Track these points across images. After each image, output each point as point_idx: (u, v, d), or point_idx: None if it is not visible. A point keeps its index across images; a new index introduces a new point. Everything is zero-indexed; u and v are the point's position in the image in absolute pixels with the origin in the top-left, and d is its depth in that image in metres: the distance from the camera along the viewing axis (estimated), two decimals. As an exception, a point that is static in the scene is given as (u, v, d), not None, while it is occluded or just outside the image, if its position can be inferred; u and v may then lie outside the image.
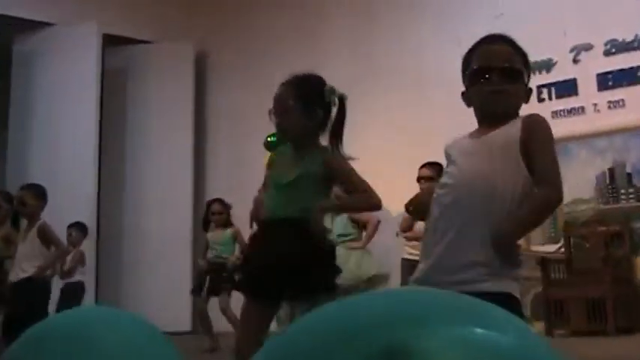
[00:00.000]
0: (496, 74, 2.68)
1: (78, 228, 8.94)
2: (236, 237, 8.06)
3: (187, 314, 10.52)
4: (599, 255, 7.77)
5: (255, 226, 3.55)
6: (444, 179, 2.71)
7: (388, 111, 9.80)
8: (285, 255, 3.17)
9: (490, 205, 2.51)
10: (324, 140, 3.37)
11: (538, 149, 2.56)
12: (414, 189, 7.27)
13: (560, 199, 2.60)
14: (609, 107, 8.45)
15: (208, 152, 12.01)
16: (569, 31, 8.76)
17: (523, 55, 2.76)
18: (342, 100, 3.35)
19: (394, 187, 9.15)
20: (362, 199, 3.34)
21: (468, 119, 8.74)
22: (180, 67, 11.73)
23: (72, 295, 8.55)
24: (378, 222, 7.44)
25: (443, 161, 7.19)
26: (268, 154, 9.04)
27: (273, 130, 10.09)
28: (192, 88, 11.77)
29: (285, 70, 11.38)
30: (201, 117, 12.02)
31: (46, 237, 6.37)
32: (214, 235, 8.11)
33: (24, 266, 6.27)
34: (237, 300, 7.84)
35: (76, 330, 1.81)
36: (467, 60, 2.81)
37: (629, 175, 8.31)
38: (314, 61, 10.64)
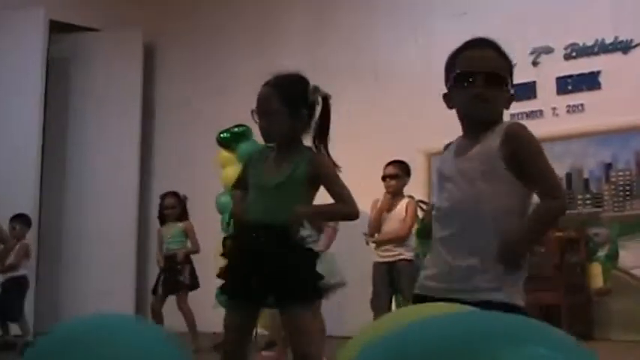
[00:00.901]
0: (480, 79, 2.69)
1: (21, 220, 8.68)
2: (187, 231, 7.91)
3: (130, 312, 10.23)
4: (554, 261, 7.71)
5: (231, 226, 3.54)
6: (437, 203, 2.78)
7: (346, 111, 9.59)
8: (272, 262, 3.17)
9: (482, 226, 2.59)
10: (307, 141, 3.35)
11: (530, 163, 2.61)
12: (378, 188, 7.16)
13: (563, 206, 2.69)
14: (568, 112, 8.39)
15: (156, 144, 11.75)
16: (530, 33, 8.67)
17: (508, 61, 2.77)
18: (325, 99, 3.33)
19: (357, 188, 9.05)
20: (338, 209, 3.31)
21: (427, 116, 8.61)
22: (128, 57, 11.42)
23: (15, 289, 8.31)
24: (335, 231, 7.23)
25: (405, 158, 7.16)
26: (220, 150, 8.92)
27: (221, 120, 9.97)
28: (140, 78, 11.48)
29: (236, 63, 11.31)
30: (149, 108, 11.75)
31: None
32: (166, 230, 8.04)
33: None
34: (192, 296, 7.77)
35: (87, 336, 1.85)
36: (451, 62, 2.83)
37: (586, 180, 8.28)
38: (261, 55, 10.46)
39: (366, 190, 7.07)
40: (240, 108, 9.49)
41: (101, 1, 11.51)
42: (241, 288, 3.24)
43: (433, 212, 2.79)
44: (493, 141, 2.61)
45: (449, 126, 9.13)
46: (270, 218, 3.20)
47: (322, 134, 3.32)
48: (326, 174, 3.24)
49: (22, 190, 9.81)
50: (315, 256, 3.33)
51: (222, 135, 8.74)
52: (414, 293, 2.82)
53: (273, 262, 3.16)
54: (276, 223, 3.18)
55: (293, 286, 3.18)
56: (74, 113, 11.40)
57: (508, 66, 2.75)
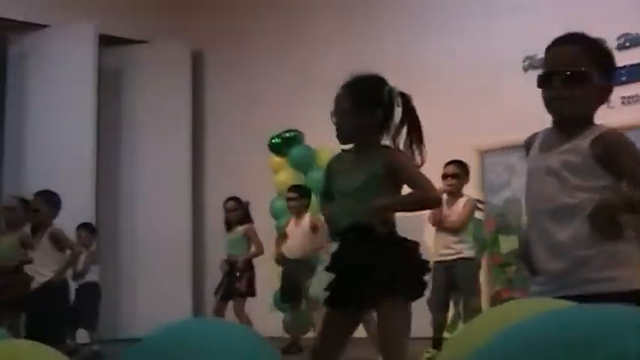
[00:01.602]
0: (557, 79, 2.65)
1: (87, 229, 8.83)
2: (248, 235, 7.92)
3: (187, 317, 10.29)
4: None
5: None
6: (526, 200, 2.77)
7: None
8: (361, 262, 3.17)
9: (572, 221, 2.56)
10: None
11: (621, 163, 2.57)
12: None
13: None
14: (623, 103, 8.23)
15: (207, 152, 11.83)
16: (579, 25, 8.53)
17: (595, 54, 2.68)
18: (405, 99, 3.36)
19: None
20: (417, 195, 3.28)
21: (476, 120, 8.54)
22: (176, 67, 11.54)
23: (90, 296, 8.48)
24: None
25: (457, 156, 7.12)
26: (272, 155, 8.97)
27: (271, 125, 10.01)
28: (189, 87, 11.59)
29: (284, 70, 11.34)
30: (199, 116, 11.84)
31: (59, 242, 6.60)
32: (229, 235, 8.03)
33: (41, 271, 6.49)
34: (250, 303, 7.81)
35: (181, 344, 1.87)
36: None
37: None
38: (305, 59, 10.48)
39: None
40: (289, 113, 9.69)
41: (148, 14, 11.62)
42: (341, 296, 3.24)
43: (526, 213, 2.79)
44: (583, 139, 2.59)
45: (500, 122, 9.07)
46: (352, 219, 3.21)
47: (416, 134, 3.33)
48: (401, 167, 3.23)
49: (79, 199, 9.92)
50: (412, 246, 3.28)
51: (273, 140, 8.79)
52: (500, 294, 2.90)
53: (365, 263, 3.16)
54: (362, 224, 3.19)
55: (385, 282, 3.14)
56: (126, 124, 11.54)
57: (594, 58, 2.66)
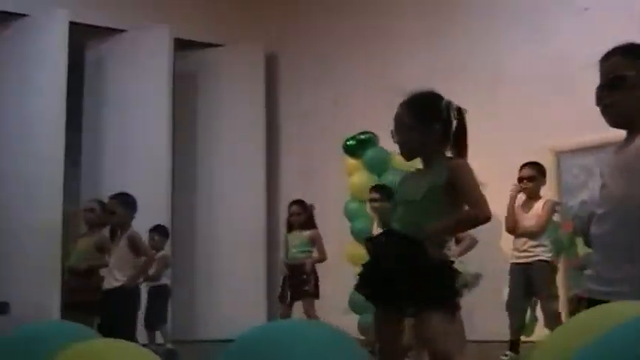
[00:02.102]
0: (603, 89, 2.77)
1: (160, 232, 8.91)
2: (314, 240, 7.90)
3: (262, 319, 10.38)
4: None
5: None
6: (600, 199, 2.81)
7: (468, 113, 9.51)
8: (409, 273, 3.24)
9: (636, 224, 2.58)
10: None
11: None
12: (502, 191, 7.07)
13: None
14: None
15: (281, 154, 11.90)
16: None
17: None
18: (460, 113, 3.48)
19: (487, 190, 8.95)
20: (467, 216, 3.36)
21: (552, 122, 8.44)
22: (251, 70, 11.66)
23: (159, 298, 8.58)
24: (473, 240, 7.13)
25: (533, 158, 7.04)
26: (347, 158, 8.98)
27: (345, 128, 10.00)
28: (263, 91, 11.69)
29: (356, 70, 11.32)
30: (273, 119, 11.93)
31: (136, 247, 6.57)
32: (292, 237, 8.01)
33: (116, 275, 6.51)
34: (319, 303, 7.83)
35: (274, 344, 1.92)
36: None
37: None
38: (386, 62, 10.47)
39: (496, 191, 7.02)
40: (364, 115, 9.69)
41: (223, 18, 11.77)
42: (381, 294, 3.33)
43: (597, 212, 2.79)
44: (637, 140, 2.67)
45: (577, 123, 8.93)
46: (412, 231, 3.29)
47: (460, 147, 3.45)
48: (460, 179, 3.31)
49: (155, 201, 10.07)
50: (452, 269, 3.37)
51: (348, 142, 8.79)
52: (578, 296, 2.92)
53: (409, 273, 3.23)
54: (416, 236, 3.27)
55: (428, 297, 3.23)
56: (201, 126, 11.69)
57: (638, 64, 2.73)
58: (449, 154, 3.46)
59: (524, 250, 6.77)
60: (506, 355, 6.50)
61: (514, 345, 6.60)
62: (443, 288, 3.28)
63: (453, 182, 3.29)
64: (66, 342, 2.30)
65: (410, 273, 3.22)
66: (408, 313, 3.42)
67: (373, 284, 3.37)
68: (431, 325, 3.22)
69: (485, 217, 3.30)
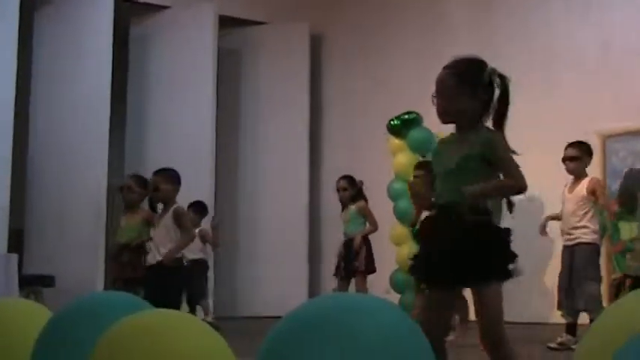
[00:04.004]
0: None
1: (196, 208, 8.94)
2: (363, 212, 7.89)
3: (304, 296, 10.42)
4: None
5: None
6: None
7: (520, 96, 9.42)
8: (452, 241, 3.21)
9: None
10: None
11: None
12: (545, 173, 7.02)
13: None
14: None
15: (324, 134, 11.89)
16: None
17: None
18: (504, 81, 3.35)
19: (535, 171, 8.89)
20: (505, 183, 3.33)
21: (599, 105, 8.39)
22: (295, 48, 11.63)
23: (197, 272, 8.63)
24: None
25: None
26: (391, 137, 8.96)
27: (389, 108, 9.95)
28: (307, 69, 11.66)
29: (402, 49, 11.32)
30: (317, 98, 11.90)
31: (180, 221, 6.51)
32: (344, 214, 8.02)
33: (161, 250, 6.46)
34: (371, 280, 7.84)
35: (333, 317, 1.92)
36: None
37: None
38: (432, 41, 10.40)
39: (542, 174, 6.98)
40: (408, 95, 9.64)
41: (268, -4, 11.80)
42: (433, 273, 3.30)
43: None
44: None
45: (624, 107, 8.86)
46: (448, 198, 3.27)
47: (500, 116, 3.35)
48: (496, 150, 3.27)
49: (198, 180, 10.12)
50: (503, 232, 3.30)
51: (392, 122, 8.76)
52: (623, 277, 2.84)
53: (457, 243, 3.20)
54: (453, 202, 3.24)
55: (481, 265, 3.20)
56: (245, 104, 11.71)
57: None
58: (487, 123, 3.38)
59: (567, 233, 6.73)
60: (561, 337, 6.44)
61: (570, 328, 6.53)
62: (499, 256, 3.25)
63: (488, 154, 3.25)
64: (126, 313, 2.33)
65: (467, 253, 3.18)
66: (460, 285, 3.41)
67: (429, 268, 3.33)
68: (490, 298, 3.24)
69: (521, 187, 3.28)
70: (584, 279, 6.68)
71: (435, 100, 3.37)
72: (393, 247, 8.55)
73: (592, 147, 7.20)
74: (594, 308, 6.38)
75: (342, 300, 2.16)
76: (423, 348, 2.06)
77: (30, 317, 2.90)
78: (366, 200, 7.98)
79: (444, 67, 3.41)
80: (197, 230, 8.79)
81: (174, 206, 6.62)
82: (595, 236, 6.69)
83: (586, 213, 6.72)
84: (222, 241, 9.84)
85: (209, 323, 8.15)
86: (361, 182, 8.06)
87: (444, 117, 3.39)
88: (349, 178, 8.08)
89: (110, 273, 7.53)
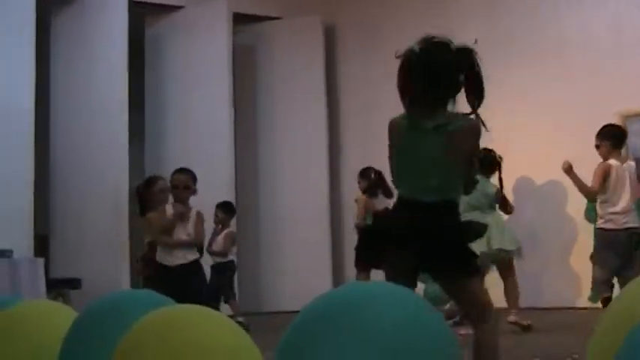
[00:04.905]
0: None
1: (224, 208, 9.02)
2: (366, 206, 8.03)
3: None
4: None
5: None
6: None
7: (524, 80, 9.39)
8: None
9: None
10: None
11: None
12: (561, 154, 7.01)
13: None
14: None
15: (342, 126, 11.88)
16: None
17: None
18: (467, 54, 3.40)
19: (530, 163, 8.92)
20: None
21: (612, 89, 8.33)
22: (309, 42, 11.63)
23: (226, 274, 8.76)
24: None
25: (602, 122, 6.95)
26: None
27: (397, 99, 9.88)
28: (322, 63, 11.66)
29: (415, 36, 11.14)
30: (334, 91, 11.90)
31: (201, 228, 6.54)
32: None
33: (183, 253, 6.52)
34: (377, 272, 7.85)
35: (350, 308, 1.92)
36: None
37: None
38: (446, 29, 10.34)
39: (564, 155, 6.96)
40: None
41: (280, -9, 11.81)
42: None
43: None
44: None
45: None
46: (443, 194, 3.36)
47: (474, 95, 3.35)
48: (471, 142, 3.39)
49: (218, 176, 10.18)
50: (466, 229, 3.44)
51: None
52: None
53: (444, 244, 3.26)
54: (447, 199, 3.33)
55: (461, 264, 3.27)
56: (261, 100, 11.73)
57: None
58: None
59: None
60: None
61: None
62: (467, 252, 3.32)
63: (458, 141, 3.25)
64: (150, 309, 2.35)
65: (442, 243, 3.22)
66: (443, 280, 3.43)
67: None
68: (470, 286, 3.30)
69: None
70: (593, 263, 6.79)
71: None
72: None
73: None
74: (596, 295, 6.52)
75: (360, 290, 2.15)
76: (445, 338, 2.04)
77: (56, 318, 2.93)
78: (380, 191, 8.02)
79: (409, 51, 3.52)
80: (227, 230, 8.87)
81: (198, 210, 6.67)
82: (600, 220, 6.73)
83: (592, 197, 6.81)
84: (244, 238, 9.91)
85: (238, 322, 8.24)
86: (377, 173, 8.11)
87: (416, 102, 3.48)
88: (363, 171, 8.20)
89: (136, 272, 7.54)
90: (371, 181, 8.21)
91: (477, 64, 3.28)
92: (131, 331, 2.24)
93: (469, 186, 3.42)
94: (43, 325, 2.92)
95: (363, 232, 3.16)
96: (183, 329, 2.19)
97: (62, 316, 2.94)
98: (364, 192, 8.21)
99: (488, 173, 7.16)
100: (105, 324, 2.49)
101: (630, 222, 6.60)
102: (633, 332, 1.36)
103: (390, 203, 7.92)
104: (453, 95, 3.27)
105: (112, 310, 2.57)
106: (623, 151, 7.48)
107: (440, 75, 3.29)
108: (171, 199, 6.78)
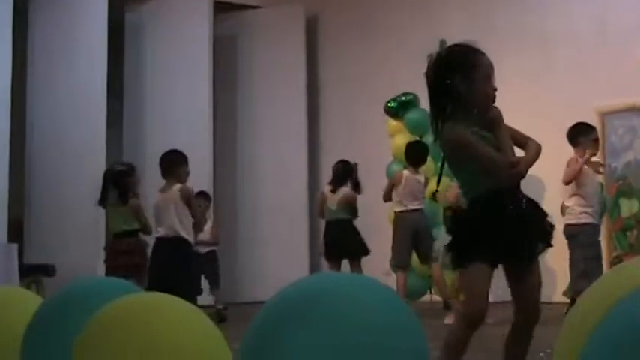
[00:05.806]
0: None
1: (205, 198, 8.96)
2: (347, 201, 7.97)
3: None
4: None
5: None
6: None
7: (516, 74, 9.39)
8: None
9: None
10: None
11: None
12: (555, 149, 7.01)
13: None
14: None
15: (322, 117, 11.85)
16: None
17: None
18: None
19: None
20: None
21: (597, 83, 8.32)
22: (291, 32, 11.57)
23: (212, 262, 8.73)
24: None
25: (579, 118, 6.96)
26: (389, 119, 8.94)
27: (387, 89, 9.93)
28: (303, 52, 11.61)
29: (398, 31, 11.24)
30: (315, 81, 11.86)
31: (191, 201, 6.86)
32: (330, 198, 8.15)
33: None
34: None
35: (314, 298, 1.93)
36: None
37: None
38: (429, 22, 10.35)
39: (547, 151, 6.96)
40: (405, 77, 9.61)
41: (262, -21, 11.74)
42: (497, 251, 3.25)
43: None
44: None
45: (622, 85, 8.81)
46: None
47: None
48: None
49: (197, 167, 10.06)
50: None
51: (389, 104, 8.76)
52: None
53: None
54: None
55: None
56: (241, 89, 11.67)
57: None
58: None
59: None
60: None
61: None
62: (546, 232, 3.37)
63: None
64: (116, 296, 2.32)
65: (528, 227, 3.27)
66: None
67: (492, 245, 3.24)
68: (538, 271, 3.36)
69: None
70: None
71: (492, 87, 3.35)
72: (391, 228, 8.54)
73: (592, 124, 7.22)
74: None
75: (325, 280, 2.13)
76: (412, 328, 2.02)
77: (21, 304, 2.89)
78: (355, 185, 7.97)
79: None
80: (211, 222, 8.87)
81: (181, 185, 6.73)
82: (570, 216, 6.79)
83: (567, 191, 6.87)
84: (222, 229, 9.87)
85: (216, 311, 8.21)
86: (355, 165, 8.06)
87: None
88: (338, 163, 8.12)
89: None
90: (336, 173, 8.10)
91: (427, 72, 3.40)
92: (94, 318, 2.20)
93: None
94: (8, 311, 2.88)
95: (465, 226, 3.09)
96: (147, 316, 2.16)
97: (28, 302, 2.90)
98: (329, 184, 8.14)
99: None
100: (69, 310, 2.45)
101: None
102: (596, 333, 1.35)
103: (357, 197, 7.92)
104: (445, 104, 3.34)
105: (78, 297, 2.54)
106: (600, 146, 7.51)
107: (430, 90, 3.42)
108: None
